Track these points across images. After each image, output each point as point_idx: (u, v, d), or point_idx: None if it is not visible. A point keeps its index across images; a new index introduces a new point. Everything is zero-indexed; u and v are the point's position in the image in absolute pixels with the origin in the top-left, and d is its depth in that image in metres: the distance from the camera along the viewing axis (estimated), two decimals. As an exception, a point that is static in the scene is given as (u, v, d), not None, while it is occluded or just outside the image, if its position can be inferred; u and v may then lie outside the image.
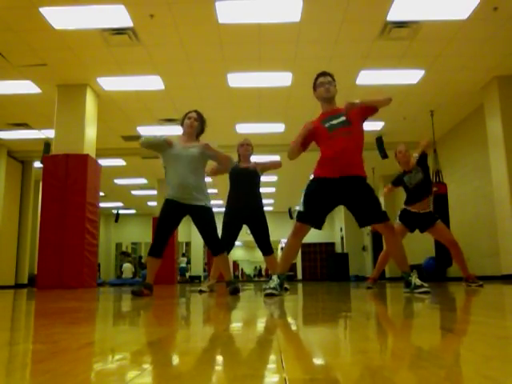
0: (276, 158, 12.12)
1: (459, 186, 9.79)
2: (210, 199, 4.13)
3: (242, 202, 4.82)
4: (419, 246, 10.18)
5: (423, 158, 5.23)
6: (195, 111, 4.20)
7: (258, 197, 4.92)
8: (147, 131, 10.16)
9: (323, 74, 3.63)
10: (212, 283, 4.99)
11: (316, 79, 3.64)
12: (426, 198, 5.19)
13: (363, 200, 3.37)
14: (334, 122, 3.44)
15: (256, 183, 4.94)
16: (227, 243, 4.63)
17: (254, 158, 5.15)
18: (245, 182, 4.87)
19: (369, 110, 3.55)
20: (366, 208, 3.39)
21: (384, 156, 10.02)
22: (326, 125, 3.45)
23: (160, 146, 4.05)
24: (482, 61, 7.21)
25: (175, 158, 4.00)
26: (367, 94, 8.27)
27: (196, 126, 4.12)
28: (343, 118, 3.44)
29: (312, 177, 3.50)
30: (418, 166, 5.19)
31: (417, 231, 5.26)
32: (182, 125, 4.20)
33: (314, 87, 3.64)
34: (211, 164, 4.51)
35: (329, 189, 3.38)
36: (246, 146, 4.99)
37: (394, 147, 9.80)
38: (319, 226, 3.49)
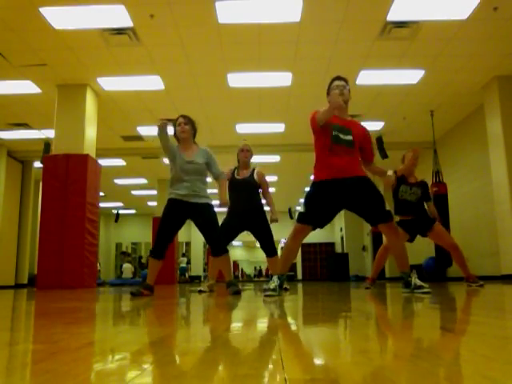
0: (276, 158, 12.16)
1: (459, 186, 9.79)
2: (212, 200, 4.14)
3: (242, 207, 4.83)
4: (419, 246, 10.16)
5: (425, 188, 5.22)
6: (181, 116, 4.19)
7: (257, 201, 4.92)
8: (147, 131, 10.16)
9: (338, 78, 3.60)
10: (211, 283, 4.99)
11: (330, 83, 3.61)
12: (414, 217, 5.12)
13: (367, 200, 3.36)
14: (342, 136, 3.39)
15: (256, 193, 4.94)
16: None
17: (254, 159, 5.16)
18: (244, 192, 4.86)
19: (364, 151, 3.57)
20: (369, 207, 3.38)
21: (384, 156, 10.01)
22: (334, 133, 3.39)
23: (169, 149, 4.05)
24: (482, 61, 7.21)
25: (180, 170, 4.02)
26: (367, 95, 8.31)
27: (188, 129, 4.11)
28: (350, 138, 3.41)
29: (312, 180, 3.49)
30: (420, 187, 5.14)
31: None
32: (175, 135, 4.20)
33: (328, 91, 3.60)
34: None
35: (331, 190, 3.36)
36: (246, 152, 5.00)
37: (394, 147, 9.91)
38: (321, 226, 3.48)
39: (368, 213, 3.42)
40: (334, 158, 3.37)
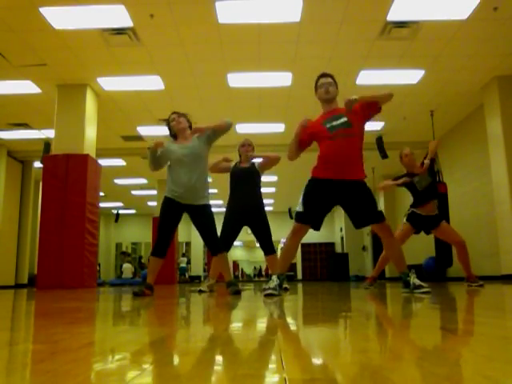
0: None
1: (459, 186, 9.79)
2: (210, 199, 4.14)
3: (242, 202, 4.82)
4: (419, 246, 10.17)
5: (432, 162, 5.26)
6: (172, 113, 4.24)
7: (258, 197, 4.91)
8: (147, 131, 10.17)
9: (324, 75, 3.63)
10: (211, 283, 4.99)
11: (317, 81, 3.64)
12: (433, 200, 5.19)
13: (360, 203, 3.40)
14: (335, 123, 3.43)
15: (256, 183, 4.93)
16: (226, 243, 4.62)
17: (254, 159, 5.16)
18: (245, 182, 4.86)
19: (372, 109, 3.52)
20: (362, 210, 3.41)
21: (384, 156, 10.02)
22: (327, 125, 3.45)
23: (161, 159, 4.08)
24: (482, 61, 7.21)
25: (177, 162, 4.01)
26: (367, 91, 8.31)
27: (183, 121, 4.13)
28: (344, 119, 3.43)
29: (310, 177, 3.50)
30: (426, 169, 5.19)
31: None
32: (170, 133, 4.21)
33: (315, 88, 3.64)
34: (211, 162, 4.55)
35: (327, 189, 3.40)
36: (247, 147, 4.99)
37: (394, 147, 9.90)
38: (318, 227, 3.50)
39: (360, 214, 3.44)
40: (336, 144, 3.38)
